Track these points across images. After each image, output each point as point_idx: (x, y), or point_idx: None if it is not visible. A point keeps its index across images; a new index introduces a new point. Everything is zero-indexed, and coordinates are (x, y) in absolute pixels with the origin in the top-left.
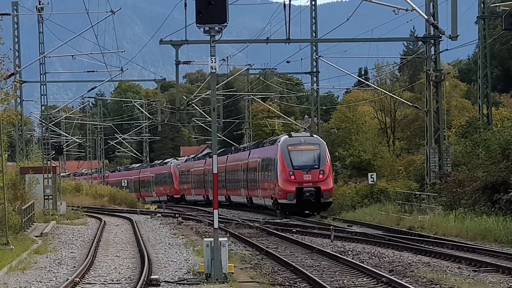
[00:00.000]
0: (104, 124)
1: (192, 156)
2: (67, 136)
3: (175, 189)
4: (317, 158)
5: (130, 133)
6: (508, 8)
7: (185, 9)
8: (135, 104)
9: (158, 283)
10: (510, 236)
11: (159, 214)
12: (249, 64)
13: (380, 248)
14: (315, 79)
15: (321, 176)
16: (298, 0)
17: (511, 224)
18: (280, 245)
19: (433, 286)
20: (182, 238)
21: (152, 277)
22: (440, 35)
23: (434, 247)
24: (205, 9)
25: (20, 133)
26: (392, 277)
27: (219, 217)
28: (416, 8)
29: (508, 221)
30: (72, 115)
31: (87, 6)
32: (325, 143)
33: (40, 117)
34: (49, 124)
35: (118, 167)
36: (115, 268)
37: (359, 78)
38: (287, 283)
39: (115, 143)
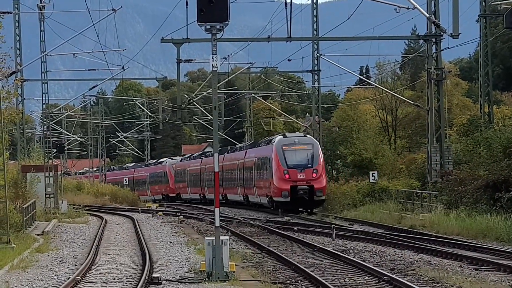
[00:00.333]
0: (105, 122)
1: (187, 155)
2: (68, 135)
3: (170, 188)
4: (310, 158)
5: (131, 131)
6: (509, 6)
7: (187, 7)
8: (137, 102)
9: (160, 281)
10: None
11: (160, 213)
12: (250, 63)
13: (381, 247)
14: (316, 77)
15: (314, 174)
16: None
17: None
18: (282, 244)
19: (435, 284)
20: (184, 237)
21: (153, 275)
22: (442, 33)
23: (436, 246)
24: (206, 8)
25: (22, 131)
26: (393, 276)
27: (220, 216)
28: (418, 6)
29: (510, 220)
30: (73, 113)
31: (88, 4)
32: (318, 143)
33: (41, 116)
34: (50, 123)
35: (112, 167)
36: (117, 266)
37: (361, 77)
38: (288, 282)
39: (116, 141)
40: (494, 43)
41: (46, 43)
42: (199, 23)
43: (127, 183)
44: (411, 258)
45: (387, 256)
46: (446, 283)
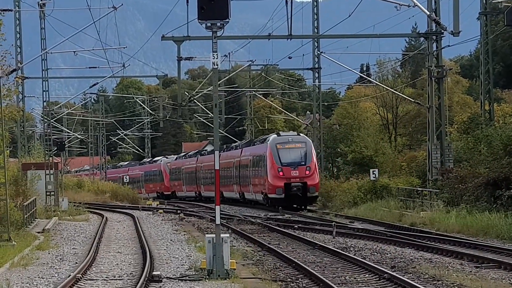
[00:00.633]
0: (106, 120)
1: (182, 154)
2: (69, 132)
3: (165, 186)
4: (303, 156)
5: (132, 129)
6: (510, 4)
7: (187, 5)
8: (137, 100)
9: (160, 279)
10: None
11: (161, 210)
12: (251, 60)
13: (382, 244)
14: (317, 75)
15: (307, 172)
16: None
17: None
18: (282, 241)
19: (435, 282)
20: (184, 234)
21: (154, 273)
22: (442, 31)
23: (436, 243)
24: (207, 5)
25: (22, 129)
26: (394, 273)
27: (220, 214)
28: (418, 4)
29: (510, 217)
30: (74, 111)
31: (89, 2)
32: (311, 141)
33: (42, 113)
34: (51, 120)
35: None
36: (117, 264)
37: (361, 74)
38: (289, 279)
39: (117, 139)
40: (495, 41)
41: (47, 40)
42: (199, 21)
43: (127, 180)
44: (412, 256)
45: (387, 254)
46: (447, 281)
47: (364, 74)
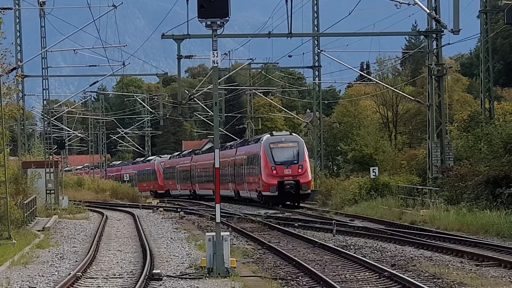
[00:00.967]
0: (106, 118)
1: (176, 153)
2: (69, 131)
3: (159, 184)
4: (296, 155)
5: (132, 127)
6: (510, 2)
7: (187, 3)
8: (137, 98)
9: (160, 277)
10: None
11: (161, 209)
12: (251, 58)
13: (382, 243)
14: (317, 73)
15: (300, 170)
16: None
17: None
18: (282, 240)
19: (436, 280)
20: (184, 233)
21: (154, 271)
22: (442, 29)
23: (436, 242)
24: (207, 3)
25: (22, 127)
26: (394, 271)
27: (220, 212)
28: (418, 2)
29: (510, 215)
30: (74, 109)
31: (89, 0)
32: (303, 141)
33: (42, 112)
34: (51, 119)
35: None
36: (117, 262)
37: (361, 73)
38: (289, 278)
39: (117, 137)
40: (495, 39)
41: (47, 39)
42: (199, 19)
43: (127, 179)
44: (412, 254)
45: (387, 252)
46: (447, 279)
47: (364, 72)
